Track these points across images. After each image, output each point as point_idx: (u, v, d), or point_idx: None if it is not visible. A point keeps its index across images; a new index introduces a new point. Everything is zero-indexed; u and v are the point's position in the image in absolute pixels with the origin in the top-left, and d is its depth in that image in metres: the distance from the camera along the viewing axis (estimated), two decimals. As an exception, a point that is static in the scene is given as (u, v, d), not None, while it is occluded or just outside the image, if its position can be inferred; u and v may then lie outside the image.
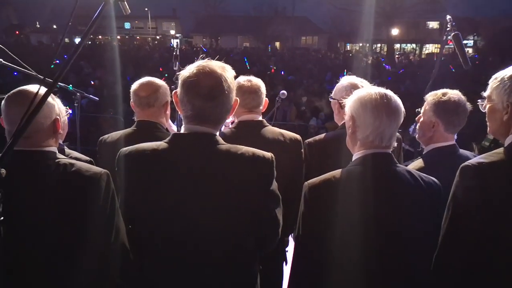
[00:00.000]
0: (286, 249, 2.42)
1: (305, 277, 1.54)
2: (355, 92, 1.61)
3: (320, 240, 1.48)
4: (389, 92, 1.54)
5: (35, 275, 1.46)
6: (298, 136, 2.19)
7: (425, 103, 2.03)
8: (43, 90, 1.58)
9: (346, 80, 2.26)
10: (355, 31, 46.74)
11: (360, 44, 53.05)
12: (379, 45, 53.15)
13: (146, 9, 48.77)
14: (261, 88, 2.19)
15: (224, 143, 1.47)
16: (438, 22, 45.86)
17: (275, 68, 14.56)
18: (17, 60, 2.64)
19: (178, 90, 1.46)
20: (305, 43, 50.53)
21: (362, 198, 1.45)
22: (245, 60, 15.92)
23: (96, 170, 1.53)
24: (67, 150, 2.03)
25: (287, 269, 2.34)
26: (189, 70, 1.44)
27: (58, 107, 1.63)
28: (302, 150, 2.18)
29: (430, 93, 2.04)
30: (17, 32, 42.86)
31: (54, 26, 48.53)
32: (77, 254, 1.47)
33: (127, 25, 51.71)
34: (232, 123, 2.30)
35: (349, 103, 1.59)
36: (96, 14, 1.30)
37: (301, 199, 1.53)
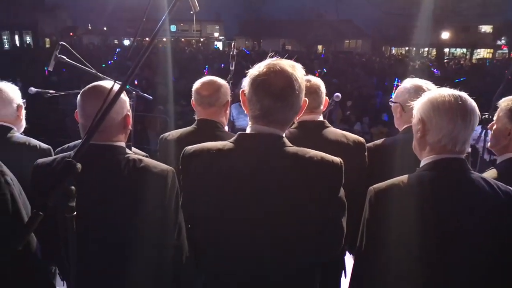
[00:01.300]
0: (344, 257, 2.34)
1: (366, 285, 1.47)
2: (424, 94, 1.52)
3: (385, 247, 1.40)
4: (463, 94, 1.45)
5: (101, 267, 1.50)
6: (361, 139, 2.10)
7: (499, 109, 1.90)
8: (116, 86, 1.63)
9: (409, 82, 2.16)
10: (401, 34, 45.60)
11: (406, 48, 51.72)
12: (426, 49, 51.42)
13: (191, 12, 49.81)
14: (321, 88, 2.13)
15: (291, 145, 1.43)
16: (491, 26, 43.66)
17: (319, 71, 14.37)
18: (80, 59, 2.74)
19: (246, 88, 1.44)
20: (348, 47, 49.67)
21: (434, 205, 1.37)
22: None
23: (163, 167, 1.55)
24: None
25: (345, 280, 2.26)
26: (258, 68, 1.40)
27: (128, 103, 1.66)
28: (366, 154, 2.09)
29: (504, 99, 1.90)
30: (71, 34, 45.26)
31: (105, 28, 50.82)
32: (141, 248, 1.49)
33: (173, 28, 53.15)
34: None
35: (419, 105, 1.50)
36: (167, 12, 1.29)
37: (366, 204, 1.46)
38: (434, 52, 49.42)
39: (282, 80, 1.36)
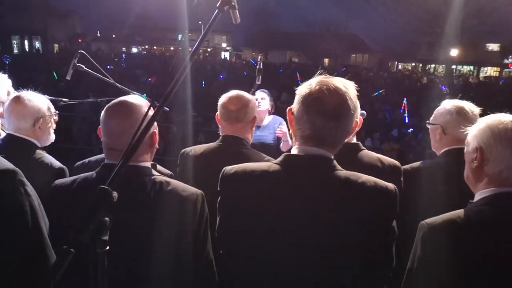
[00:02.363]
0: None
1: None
2: (481, 120, 1.40)
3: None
4: None
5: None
6: (397, 163, 1.98)
7: None
8: (140, 100, 1.51)
9: (449, 103, 2.03)
10: (408, 50, 45.69)
11: (413, 64, 51.79)
12: (433, 65, 51.45)
13: (200, 22, 50.33)
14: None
15: (341, 168, 1.31)
16: (498, 45, 43.65)
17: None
18: (98, 68, 2.64)
19: (295, 107, 1.32)
20: (354, 61, 49.81)
21: (498, 246, 1.23)
22: (298, 75, 15.73)
23: (192, 190, 1.44)
24: None
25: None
26: (309, 86, 1.30)
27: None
28: (402, 179, 1.96)
29: None
30: (80, 40, 45.67)
31: (113, 36, 51.29)
32: (167, 278, 1.36)
33: (181, 37, 53.61)
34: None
35: (475, 132, 1.38)
36: (210, 22, 1.19)
37: (417, 240, 1.33)
38: (440, 68, 49.60)
39: (336, 98, 1.26)
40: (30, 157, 1.98)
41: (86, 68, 2.57)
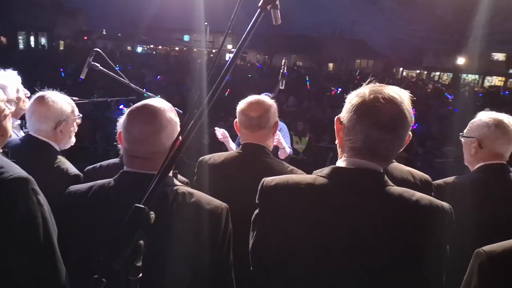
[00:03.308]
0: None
1: None
2: None
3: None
4: None
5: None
6: (428, 177, 1.88)
7: None
8: (163, 103, 1.41)
9: (486, 116, 1.93)
10: (414, 57, 45.58)
11: (418, 71, 51.67)
12: (437, 73, 51.29)
13: (206, 23, 50.39)
14: None
15: (393, 185, 1.21)
16: (504, 54, 43.51)
17: (334, 89, 14.19)
18: (112, 67, 2.54)
19: (345, 116, 1.22)
20: (359, 66, 49.70)
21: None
22: (307, 80, 15.62)
23: (217, 203, 1.35)
24: None
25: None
26: (361, 94, 1.20)
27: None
28: (433, 194, 1.85)
29: None
30: (85, 38, 45.65)
31: (119, 34, 51.37)
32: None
33: (186, 38, 53.54)
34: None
35: None
36: (252, 22, 1.09)
37: (474, 269, 1.23)
38: (445, 76, 49.45)
39: (393, 109, 1.16)
40: (47, 161, 1.89)
41: (101, 67, 2.47)
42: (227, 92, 10.11)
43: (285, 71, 2.62)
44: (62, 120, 1.95)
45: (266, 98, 1.98)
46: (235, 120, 1.99)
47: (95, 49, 2.46)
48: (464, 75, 45.52)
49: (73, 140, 2.08)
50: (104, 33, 52.81)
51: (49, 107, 1.90)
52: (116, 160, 1.99)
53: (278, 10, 1.24)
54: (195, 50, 49.86)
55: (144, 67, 19.21)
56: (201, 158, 2.00)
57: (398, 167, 1.89)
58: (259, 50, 49.48)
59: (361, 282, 1.15)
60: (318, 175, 1.24)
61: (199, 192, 1.37)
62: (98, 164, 1.99)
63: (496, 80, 45.73)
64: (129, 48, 47.11)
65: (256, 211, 1.29)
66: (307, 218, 1.19)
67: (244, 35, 1.09)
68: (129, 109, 1.36)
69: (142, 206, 0.81)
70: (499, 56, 44.99)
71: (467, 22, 17.18)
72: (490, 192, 1.79)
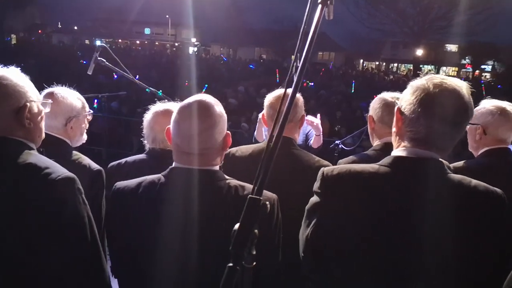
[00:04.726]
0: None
1: None
2: None
3: None
4: None
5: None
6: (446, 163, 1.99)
7: None
8: (212, 99, 1.42)
9: (490, 103, 2.07)
10: (373, 49, 46.97)
11: (377, 63, 53.35)
12: (395, 64, 53.22)
13: (167, 16, 49.36)
14: None
15: (450, 172, 1.27)
16: (456, 46, 45.75)
17: (307, 82, 14.41)
18: (118, 63, 2.51)
19: (407, 107, 1.26)
20: (321, 59, 50.56)
21: None
22: (277, 73, 15.73)
23: (268, 194, 1.36)
24: None
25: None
26: (425, 87, 1.23)
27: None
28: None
29: None
30: (39, 31, 43.43)
31: (75, 28, 49.25)
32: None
33: (147, 31, 52.26)
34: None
35: None
36: (317, 19, 1.12)
37: None
38: (403, 67, 51.35)
39: (458, 102, 1.21)
40: (66, 158, 1.83)
41: (107, 63, 2.42)
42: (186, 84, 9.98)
43: (298, 64, 2.67)
44: (73, 116, 1.89)
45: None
46: (262, 112, 2.02)
47: (101, 44, 2.41)
48: (420, 66, 47.51)
49: (84, 137, 2.03)
50: (60, 26, 50.45)
51: (59, 103, 1.84)
52: (142, 156, 1.96)
53: (332, 5, 1.29)
54: (156, 43, 48.77)
55: (109, 62, 18.55)
56: (228, 151, 2.02)
57: None
58: (222, 43, 49.16)
59: (424, 270, 1.20)
60: (379, 165, 1.29)
61: (248, 185, 1.38)
62: (123, 160, 1.96)
63: (450, 70, 48.04)
64: (87, 41, 45.30)
65: (315, 200, 1.33)
66: (372, 206, 1.23)
67: (311, 33, 1.11)
68: (180, 105, 1.35)
69: (258, 197, 0.85)
70: (452, 47, 47.27)
71: (427, 15, 17.92)
72: (496, 173, 1.93)
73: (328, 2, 1.17)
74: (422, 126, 1.23)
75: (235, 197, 1.32)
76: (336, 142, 3.81)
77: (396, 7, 20.96)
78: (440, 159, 1.27)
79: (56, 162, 1.45)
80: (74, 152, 1.90)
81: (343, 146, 3.81)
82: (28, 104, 1.37)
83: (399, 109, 1.30)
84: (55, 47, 29.97)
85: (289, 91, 0.99)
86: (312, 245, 1.32)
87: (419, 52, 28.30)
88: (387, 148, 1.93)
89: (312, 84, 14.85)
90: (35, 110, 1.42)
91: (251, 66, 24.62)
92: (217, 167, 1.40)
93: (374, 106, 2.02)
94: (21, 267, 1.26)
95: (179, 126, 1.33)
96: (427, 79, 1.25)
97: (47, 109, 1.54)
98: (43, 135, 1.50)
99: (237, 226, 0.85)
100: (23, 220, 1.23)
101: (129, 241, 1.36)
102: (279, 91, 2.02)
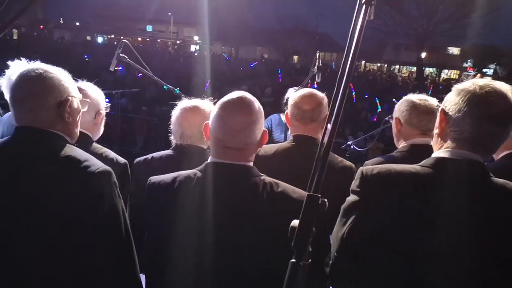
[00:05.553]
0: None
1: None
2: None
3: None
4: None
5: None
6: None
7: None
8: (253, 96, 1.43)
9: None
10: (376, 51, 46.93)
11: (379, 64, 53.34)
12: (397, 66, 53.20)
13: (169, 14, 49.30)
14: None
15: (492, 175, 1.24)
16: (459, 49, 45.76)
17: (311, 83, 14.37)
18: (138, 60, 2.51)
19: (453, 107, 1.25)
20: (323, 59, 50.42)
21: None
22: (279, 72, 15.71)
23: (302, 192, 1.36)
24: None
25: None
26: (471, 88, 1.23)
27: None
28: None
29: None
30: (41, 27, 43.38)
31: (77, 23, 49.20)
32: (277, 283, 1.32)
33: (149, 28, 52.18)
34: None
35: None
36: (362, 18, 1.12)
37: None
38: (404, 69, 51.33)
39: (505, 103, 1.20)
40: (93, 152, 1.84)
41: (128, 60, 2.41)
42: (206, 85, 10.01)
43: (320, 64, 2.68)
44: (100, 110, 1.93)
45: (317, 91, 2.01)
46: (286, 111, 2.03)
47: (123, 40, 2.40)
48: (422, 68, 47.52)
49: (101, 130, 2.05)
50: (61, 22, 50.38)
51: (89, 97, 1.86)
52: (169, 151, 1.97)
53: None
54: (158, 41, 48.72)
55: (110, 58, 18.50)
56: None
57: None
58: (224, 42, 49.12)
59: (469, 272, 1.18)
60: (421, 165, 1.27)
61: (282, 182, 1.39)
62: (149, 156, 1.97)
63: (451, 73, 48.10)
64: (88, 38, 45.23)
65: (352, 199, 1.31)
66: (413, 207, 1.22)
67: (357, 33, 1.11)
68: (224, 101, 1.37)
69: (316, 195, 0.85)
70: (454, 50, 47.29)
71: (431, 17, 17.92)
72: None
73: (373, 2, 1.17)
74: (467, 125, 1.22)
75: (271, 193, 1.32)
76: (348, 142, 3.81)
77: (401, 8, 20.97)
78: (484, 163, 1.25)
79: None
80: (97, 145, 1.91)
81: (355, 147, 3.82)
82: (70, 98, 1.39)
83: (443, 110, 1.29)
84: (59, 43, 29.88)
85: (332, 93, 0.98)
86: (347, 244, 1.30)
87: (423, 54, 28.30)
88: (413, 149, 1.93)
89: (315, 85, 14.78)
90: (75, 105, 1.45)
91: (251, 66, 24.54)
92: (251, 163, 1.40)
93: (401, 108, 2.00)
94: (58, 259, 1.27)
95: (224, 120, 1.34)
96: (472, 82, 1.25)
97: (85, 108, 1.55)
98: (78, 133, 1.51)
99: (296, 222, 0.84)
100: (63, 212, 1.24)
101: (163, 235, 1.37)
102: (304, 90, 2.01)
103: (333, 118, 0.93)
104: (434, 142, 1.37)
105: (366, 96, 14.74)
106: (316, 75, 2.65)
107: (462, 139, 1.24)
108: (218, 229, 1.28)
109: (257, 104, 1.38)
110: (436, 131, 1.34)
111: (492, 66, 43.17)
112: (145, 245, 1.50)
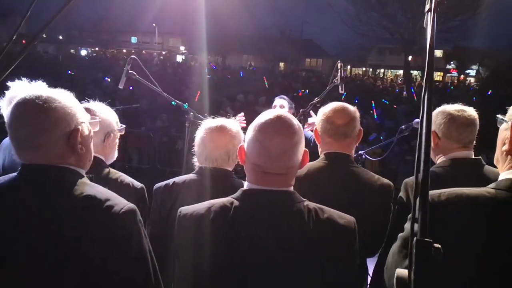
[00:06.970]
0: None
1: None
2: None
3: None
4: None
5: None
6: None
7: None
8: (291, 115, 1.30)
9: None
10: (360, 55, 47.50)
11: (364, 69, 53.90)
12: (382, 70, 53.86)
13: (154, 25, 49.09)
14: (477, 120, 1.88)
15: None
16: (441, 51, 46.57)
17: (303, 91, 14.32)
18: (147, 76, 2.35)
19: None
20: (309, 65, 50.91)
21: None
22: (265, 80, 15.63)
23: (348, 218, 1.27)
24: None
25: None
26: None
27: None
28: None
29: None
30: (23, 41, 42.67)
31: (60, 37, 48.64)
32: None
33: (134, 39, 51.86)
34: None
35: None
36: (430, 27, 1.01)
37: None
38: (389, 73, 52.01)
39: None
40: (108, 177, 1.69)
41: (138, 76, 2.26)
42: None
43: (343, 75, 2.56)
44: (110, 132, 1.78)
45: (348, 105, 1.88)
46: (315, 127, 1.89)
47: (132, 56, 2.24)
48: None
49: (116, 154, 1.88)
50: (44, 36, 49.69)
51: (97, 117, 1.72)
52: (192, 176, 1.81)
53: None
54: (143, 52, 48.39)
55: (100, 71, 18.22)
56: None
57: (493, 170, 1.81)
58: (210, 51, 49.02)
59: None
60: (493, 188, 1.16)
61: (327, 208, 1.28)
62: (170, 181, 1.81)
63: (435, 75, 48.86)
64: (72, 51, 44.68)
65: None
66: (491, 238, 1.11)
67: (429, 43, 1.00)
68: (261, 122, 1.23)
69: (427, 240, 0.70)
70: (437, 53, 48.12)
71: (416, 22, 18.13)
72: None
73: (438, 8, 1.09)
74: None
75: (316, 220, 1.21)
76: (360, 152, 3.69)
77: (387, 13, 21.16)
78: None
79: (98, 182, 1.31)
80: (112, 170, 1.75)
81: (367, 156, 3.70)
82: (79, 127, 1.22)
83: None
84: (44, 59, 29.39)
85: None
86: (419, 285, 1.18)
87: (409, 57, 28.64)
88: (456, 164, 1.80)
89: (307, 91, 14.77)
90: (86, 132, 1.28)
91: (241, 74, 24.47)
92: (292, 188, 1.27)
93: (437, 121, 1.87)
94: None
95: (262, 144, 1.20)
96: None
97: (96, 128, 1.39)
98: (92, 158, 1.35)
99: (401, 273, 0.69)
100: (86, 254, 1.09)
101: (199, 269, 1.22)
102: (334, 104, 1.88)
103: (424, 133, 0.80)
104: (501, 160, 1.24)
105: (357, 101, 14.77)
106: (340, 86, 2.52)
107: None
108: (264, 262, 1.17)
109: (296, 122, 1.25)
110: (504, 148, 1.22)
111: (475, 67, 43.98)
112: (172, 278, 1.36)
